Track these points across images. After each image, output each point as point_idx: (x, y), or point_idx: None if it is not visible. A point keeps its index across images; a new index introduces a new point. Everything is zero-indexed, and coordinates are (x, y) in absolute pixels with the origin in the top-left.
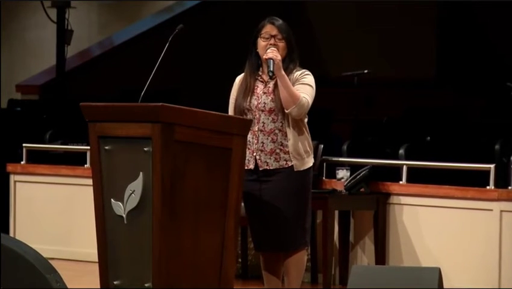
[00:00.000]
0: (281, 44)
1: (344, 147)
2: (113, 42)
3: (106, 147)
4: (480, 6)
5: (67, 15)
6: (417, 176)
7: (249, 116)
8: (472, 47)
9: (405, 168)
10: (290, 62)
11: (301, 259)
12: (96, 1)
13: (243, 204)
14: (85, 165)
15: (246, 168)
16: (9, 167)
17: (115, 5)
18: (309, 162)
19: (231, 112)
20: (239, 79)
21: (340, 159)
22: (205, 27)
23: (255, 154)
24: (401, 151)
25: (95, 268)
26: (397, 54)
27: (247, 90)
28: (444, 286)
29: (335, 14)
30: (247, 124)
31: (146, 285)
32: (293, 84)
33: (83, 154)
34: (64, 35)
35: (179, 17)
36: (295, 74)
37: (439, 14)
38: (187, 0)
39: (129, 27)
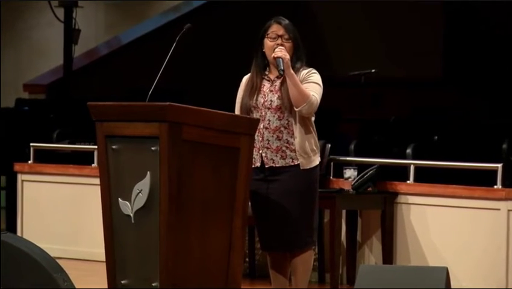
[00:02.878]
0: (288, 44)
1: (352, 146)
2: (120, 41)
3: (114, 147)
4: (487, 6)
5: (74, 15)
6: (425, 176)
7: (255, 114)
8: (479, 47)
9: (412, 167)
10: (296, 62)
11: (308, 258)
12: (103, 1)
13: (249, 203)
14: (93, 165)
15: (252, 166)
16: (17, 167)
17: (123, 4)
18: (316, 160)
19: (237, 112)
20: (245, 79)
21: (347, 158)
22: (211, 27)
23: (260, 152)
24: (408, 150)
25: (102, 268)
26: (404, 53)
27: (254, 89)
28: (452, 286)
29: (342, 14)
30: (254, 124)
31: (153, 284)
32: (300, 83)
33: (90, 153)
34: (71, 35)
35: (185, 17)
36: (302, 74)
37: (446, 14)
38: (194, 0)
39: (136, 27)
